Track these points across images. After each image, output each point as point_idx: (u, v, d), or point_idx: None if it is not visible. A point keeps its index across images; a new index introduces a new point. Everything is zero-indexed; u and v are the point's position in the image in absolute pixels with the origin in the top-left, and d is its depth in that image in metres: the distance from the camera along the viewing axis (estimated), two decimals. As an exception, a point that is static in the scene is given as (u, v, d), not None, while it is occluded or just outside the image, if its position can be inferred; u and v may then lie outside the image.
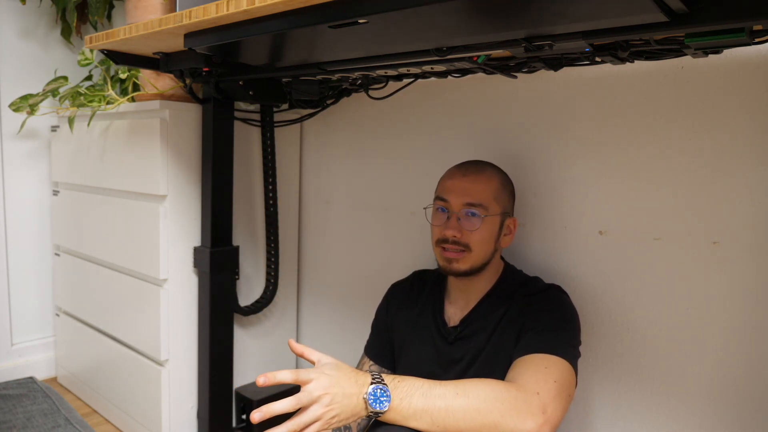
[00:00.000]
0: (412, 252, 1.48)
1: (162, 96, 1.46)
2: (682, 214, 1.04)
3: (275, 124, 1.62)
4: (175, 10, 0.96)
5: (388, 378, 0.84)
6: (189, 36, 1.00)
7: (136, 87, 1.58)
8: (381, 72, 1.17)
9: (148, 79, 1.50)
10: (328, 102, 1.58)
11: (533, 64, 1.02)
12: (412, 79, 1.31)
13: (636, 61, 0.99)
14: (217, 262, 1.47)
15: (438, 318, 1.11)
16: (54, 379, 2.07)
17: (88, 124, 1.63)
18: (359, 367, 1.24)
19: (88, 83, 1.74)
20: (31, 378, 1.21)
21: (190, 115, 1.47)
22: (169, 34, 1.02)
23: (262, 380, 0.79)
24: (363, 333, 1.62)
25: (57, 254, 1.96)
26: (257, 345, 1.71)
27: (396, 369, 1.18)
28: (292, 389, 0.87)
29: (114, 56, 1.23)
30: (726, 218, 0.99)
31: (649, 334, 1.09)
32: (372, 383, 0.82)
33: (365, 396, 0.81)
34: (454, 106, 1.37)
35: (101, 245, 1.70)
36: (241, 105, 1.58)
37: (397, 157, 1.51)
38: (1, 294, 1.95)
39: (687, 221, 1.03)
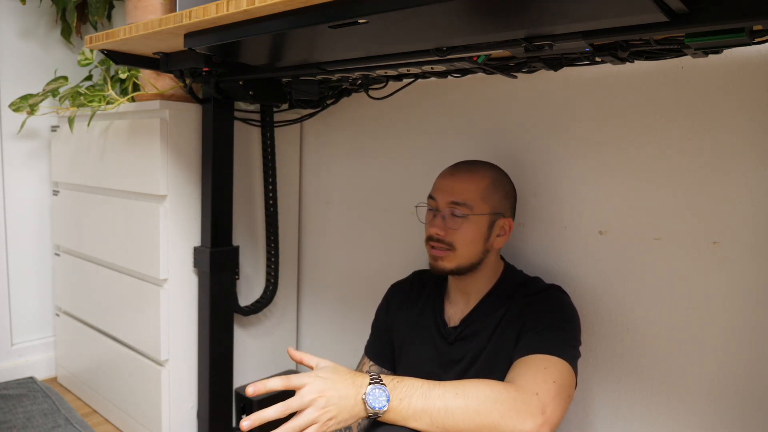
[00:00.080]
0: (412, 252, 1.48)
1: (162, 96, 1.46)
2: (682, 214, 1.04)
3: (275, 124, 1.62)
4: (175, 10, 0.96)
5: (387, 378, 0.84)
6: (189, 36, 1.00)
7: (136, 87, 1.58)
8: (381, 72, 1.17)
9: (148, 79, 1.50)
10: (328, 102, 1.58)
11: (533, 64, 1.02)
12: (412, 79, 1.31)
13: (636, 61, 0.99)
14: (217, 262, 1.47)
15: (438, 318, 1.11)
16: (54, 379, 2.07)
17: (88, 124, 1.63)
18: (359, 367, 1.24)
19: (88, 83, 1.74)
20: (31, 378, 1.21)
21: (190, 115, 1.47)
22: (169, 34, 1.02)
23: (251, 390, 0.79)
24: (363, 333, 1.62)
25: (57, 254, 1.96)
26: (257, 345, 1.71)
27: (396, 369, 1.18)
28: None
29: (114, 56, 1.23)
30: (726, 218, 0.99)
31: (649, 334, 1.09)
32: (370, 383, 0.82)
33: (363, 397, 0.81)
34: (454, 106, 1.37)
35: (101, 245, 1.70)
36: (241, 105, 1.58)
37: (397, 157, 1.51)
38: (1, 294, 1.95)
39: (687, 221, 1.03)
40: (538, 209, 1.24)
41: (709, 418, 1.03)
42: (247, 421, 0.78)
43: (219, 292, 1.49)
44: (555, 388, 0.85)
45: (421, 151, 1.45)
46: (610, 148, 1.12)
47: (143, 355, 1.58)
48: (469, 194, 1.02)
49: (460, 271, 1.04)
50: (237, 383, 1.64)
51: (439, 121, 1.41)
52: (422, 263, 1.40)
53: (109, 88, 1.60)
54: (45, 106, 1.79)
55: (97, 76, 1.87)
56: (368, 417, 0.82)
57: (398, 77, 1.28)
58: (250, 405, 1.57)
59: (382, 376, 0.85)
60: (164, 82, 1.50)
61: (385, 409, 0.81)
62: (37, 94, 1.71)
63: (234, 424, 1.61)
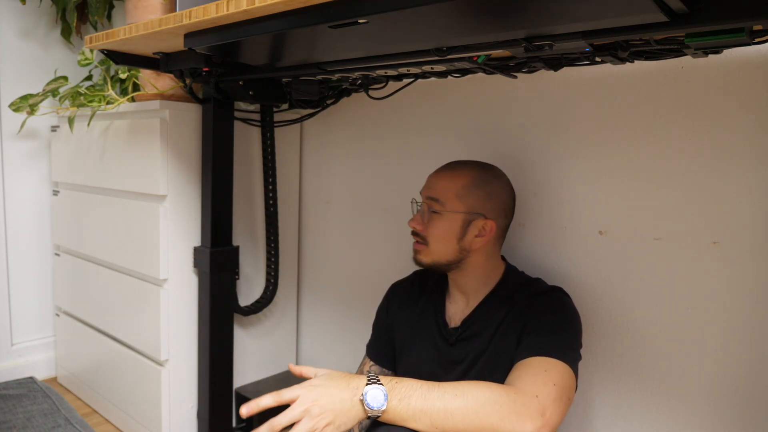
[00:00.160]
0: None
1: (162, 96, 1.46)
2: (682, 214, 1.04)
3: (275, 124, 1.62)
4: (175, 10, 0.96)
5: (385, 379, 0.84)
6: (189, 36, 1.00)
7: (136, 87, 1.58)
8: (381, 72, 1.17)
9: (148, 79, 1.50)
10: (328, 102, 1.58)
11: (533, 64, 1.02)
12: (412, 79, 1.31)
13: (636, 61, 0.99)
14: (217, 262, 1.47)
15: (439, 318, 1.11)
16: (54, 379, 2.07)
17: (88, 124, 1.63)
18: (360, 367, 1.24)
19: (88, 83, 1.74)
20: (31, 378, 1.21)
21: (190, 115, 1.47)
22: (169, 34, 1.02)
23: (245, 411, 0.80)
24: (363, 333, 1.62)
25: (57, 254, 1.96)
26: (257, 345, 1.71)
27: (397, 369, 1.18)
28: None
29: (114, 56, 1.23)
30: (726, 218, 0.99)
31: (649, 334, 1.09)
32: (367, 384, 0.82)
33: (361, 398, 0.81)
34: (454, 106, 1.37)
35: (101, 245, 1.70)
36: (241, 105, 1.58)
37: (397, 156, 1.51)
38: (1, 294, 1.95)
39: (687, 221, 1.03)
40: (538, 209, 1.23)
41: (709, 418, 1.03)
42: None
43: (219, 292, 1.49)
44: (555, 390, 0.85)
45: (421, 150, 1.45)
46: (610, 148, 1.12)
47: (143, 355, 1.58)
48: (443, 191, 1.04)
49: (438, 267, 1.06)
50: (237, 383, 1.64)
51: (439, 121, 1.41)
52: (422, 263, 1.40)
53: (109, 88, 1.60)
54: (45, 106, 1.79)
55: (97, 76, 1.87)
56: (368, 418, 0.82)
57: (398, 77, 1.28)
58: (250, 405, 1.57)
59: (381, 377, 0.85)
60: (164, 82, 1.50)
61: (383, 408, 0.81)
62: (37, 94, 1.71)
63: (234, 424, 1.61)
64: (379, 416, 0.82)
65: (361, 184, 1.61)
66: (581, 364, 1.02)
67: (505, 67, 1.05)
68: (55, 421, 1.03)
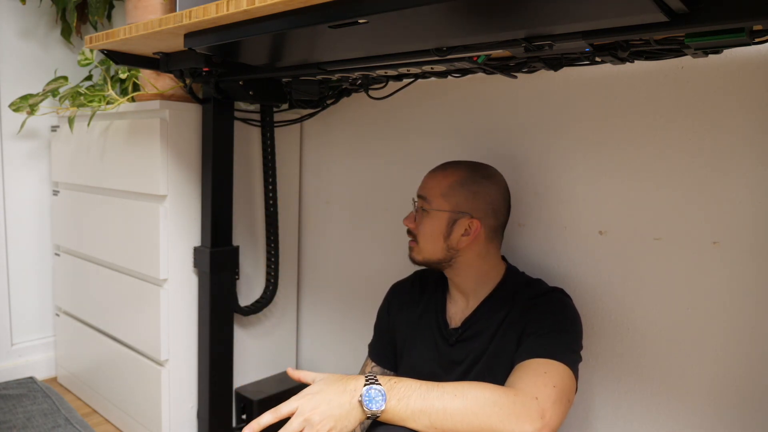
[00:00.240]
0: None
1: (162, 96, 1.46)
2: (682, 214, 1.04)
3: (275, 124, 1.62)
4: (175, 10, 0.96)
5: (383, 379, 0.84)
6: (189, 36, 1.00)
7: (136, 87, 1.58)
8: (381, 72, 1.17)
9: (148, 79, 1.50)
10: (328, 102, 1.58)
11: (533, 64, 1.02)
12: (412, 79, 1.31)
13: (636, 61, 0.99)
14: (217, 262, 1.47)
15: (440, 318, 1.11)
16: (54, 379, 2.07)
17: (88, 124, 1.63)
18: (363, 368, 1.24)
19: (88, 83, 1.74)
20: (31, 378, 1.21)
21: (190, 115, 1.47)
22: (169, 34, 1.02)
23: None
24: (363, 333, 1.62)
25: (57, 254, 1.96)
26: (257, 345, 1.71)
27: (398, 369, 1.18)
28: (294, 388, 0.87)
29: (114, 56, 1.23)
30: (726, 218, 0.99)
31: (649, 334, 1.09)
32: (365, 385, 0.83)
33: (360, 399, 0.81)
34: (454, 106, 1.37)
35: (101, 245, 1.70)
36: (241, 105, 1.58)
37: (398, 156, 1.51)
38: (1, 294, 1.95)
39: (687, 221, 1.03)
40: (538, 209, 1.23)
41: (709, 418, 1.03)
42: (248, 430, 0.80)
43: (219, 292, 1.49)
44: (555, 392, 0.85)
45: (421, 150, 1.45)
46: (610, 148, 1.12)
47: (143, 355, 1.58)
48: (431, 190, 1.06)
49: (430, 265, 1.08)
50: (237, 383, 1.64)
51: (439, 121, 1.41)
52: (422, 263, 1.40)
53: (109, 88, 1.60)
54: (45, 106, 1.79)
55: (97, 76, 1.87)
56: (367, 418, 0.82)
57: (398, 77, 1.28)
58: (250, 405, 1.57)
59: (379, 377, 0.85)
60: (164, 82, 1.50)
61: (382, 408, 0.81)
62: (37, 94, 1.71)
63: (234, 424, 1.61)
64: (378, 416, 0.82)
65: (361, 184, 1.61)
66: (581, 365, 1.02)
67: (505, 67, 1.05)
68: (55, 421, 1.03)
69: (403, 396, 0.82)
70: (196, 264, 1.51)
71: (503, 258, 1.12)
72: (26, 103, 1.70)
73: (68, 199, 1.86)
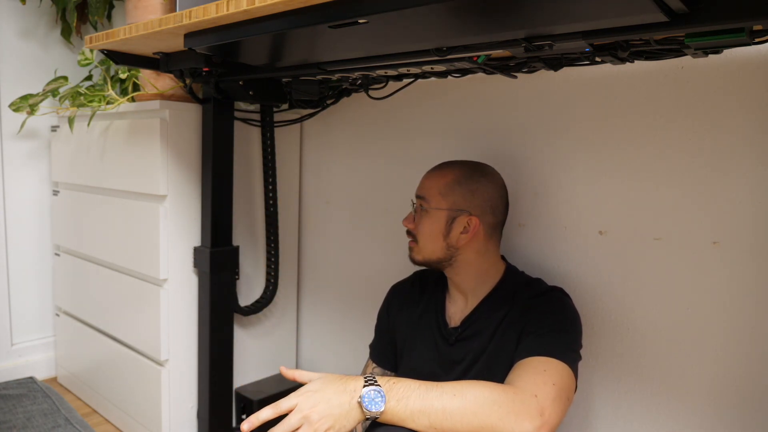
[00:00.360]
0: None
1: (162, 96, 1.46)
2: (682, 214, 1.04)
3: (275, 124, 1.62)
4: (175, 10, 0.96)
5: (383, 380, 0.85)
6: (189, 36, 1.00)
7: (136, 87, 1.58)
8: (381, 72, 1.17)
9: (148, 79, 1.50)
10: (328, 102, 1.58)
11: (533, 64, 1.02)
12: (412, 79, 1.31)
13: (636, 61, 0.99)
14: (217, 262, 1.47)
15: (440, 318, 1.11)
16: (54, 379, 2.07)
17: (88, 124, 1.63)
18: (364, 369, 1.24)
19: (88, 83, 1.74)
20: (31, 378, 1.20)
21: (190, 115, 1.47)
22: (169, 34, 1.02)
23: (246, 427, 0.80)
24: (363, 333, 1.62)
25: (57, 254, 1.96)
26: (257, 345, 1.71)
27: (398, 369, 1.18)
28: (294, 388, 0.87)
29: (114, 56, 1.23)
30: (726, 218, 0.99)
31: (649, 334, 1.09)
32: (365, 386, 0.82)
33: (359, 400, 0.81)
34: (454, 106, 1.37)
35: (101, 245, 1.70)
36: (241, 105, 1.58)
37: (397, 156, 1.51)
38: (1, 294, 1.95)
39: (687, 221, 1.03)
40: (538, 209, 1.23)
41: (709, 418, 1.03)
42: (246, 424, 0.80)
43: (219, 292, 1.49)
44: (554, 390, 0.85)
45: (421, 151, 1.45)
46: (610, 148, 1.12)
47: (143, 355, 1.58)
48: (428, 189, 1.06)
49: (430, 265, 1.09)
50: (237, 383, 1.64)
51: (439, 121, 1.41)
52: (422, 263, 1.40)
53: (109, 88, 1.60)
54: (45, 106, 1.79)
55: (97, 76, 1.87)
56: (366, 419, 0.82)
57: (398, 77, 1.28)
58: (250, 405, 1.57)
59: (378, 378, 0.85)
60: (164, 82, 1.50)
61: (382, 410, 0.81)
62: (37, 94, 1.71)
63: (234, 424, 1.61)
64: (377, 417, 0.82)
65: (361, 184, 1.61)
66: (581, 364, 1.02)
67: (505, 67, 1.05)
68: (55, 421, 1.03)
69: (402, 396, 0.82)
70: (196, 264, 1.51)
71: (502, 257, 1.12)
72: (26, 103, 1.70)
73: (68, 199, 1.86)
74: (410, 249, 1.10)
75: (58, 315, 2.00)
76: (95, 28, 1.95)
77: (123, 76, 1.60)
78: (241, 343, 1.65)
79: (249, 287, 1.66)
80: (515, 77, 1.17)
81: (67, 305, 1.93)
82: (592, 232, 1.16)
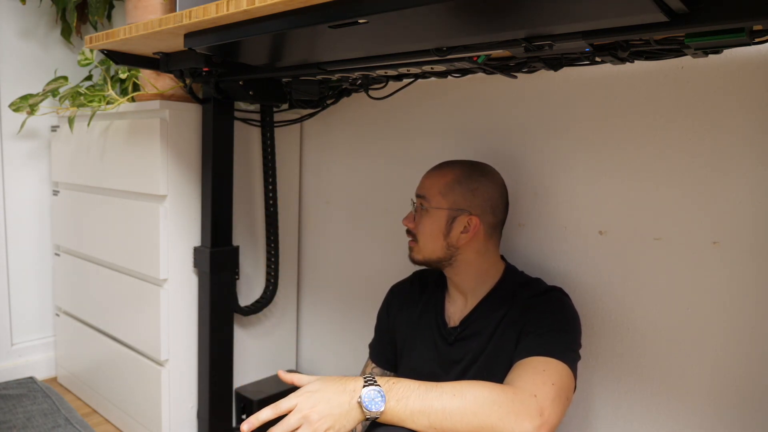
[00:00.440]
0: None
1: (162, 96, 1.46)
2: (682, 214, 1.04)
3: (275, 124, 1.62)
4: (175, 10, 0.96)
5: (382, 380, 0.85)
6: (189, 36, 1.00)
7: (136, 87, 1.58)
8: (381, 72, 1.17)
9: (148, 79, 1.50)
10: (328, 102, 1.58)
11: (533, 64, 1.02)
12: (412, 79, 1.31)
13: (636, 61, 0.99)
14: (217, 262, 1.47)
15: (439, 318, 1.11)
16: (54, 379, 2.07)
17: (88, 124, 1.63)
18: (364, 368, 1.25)
19: (88, 83, 1.74)
20: (31, 378, 1.20)
21: (190, 115, 1.47)
22: (169, 34, 1.02)
23: (246, 428, 0.80)
24: (363, 333, 1.62)
25: (57, 254, 1.96)
26: (257, 345, 1.71)
27: (398, 369, 1.18)
28: (294, 388, 0.87)
29: (114, 56, 1.23)
30: (726, 218, 0.99)
31: (649, 334, 1.09)
32: (364, 386, 0.82)
33: (359, 400, 0.81)
34: (454, 106, 1.37)
35: (101, 245, 1.70)
36: (241, 105, 1.58)
37: (397, 156, 1.51)
38: (1, 294, 1.95)
39: (687, 221, 1.03)
40: (538, 209, 1.23)
41: (709, 418, 1.03)
42: (246, 425, 0.80)
43: (219, 292, 1.49)
44: (554, 390, 0.85)
45: (421, 151, 1.45)
46: (610, 148, 1.12)
47: (143, 355, 1.58)
48: (428, 188, 1.06)
49: (430, 264, 1.09)
50: (237, 383, 1.64)
51: (439, 121, 1.41)
52: (422, 263, 1.40)
53: (109, 88, 1.60)
54: (45, 106, 1.79)
55: (97, 76, 1.87)
56: (366, 419, 0.82)
57: (398, 77, 1.28)
58: (250, 405, 1.57)
59: (378, 378, 0.85)
60: (164, 82, 1.50)
61: (381, 409, 0.81)
62: (37, 94, 1.71)
63: (234, 424, 1.61)
64: (377, 417, 0.82)
65: (361, 184, 1.61)
66: (581, 364, 1.02)
67: (505, 67, 1.05)
68: (55, 421, 1.03)
69: (401, 397, 0.82)
70: (196, 264, 1.51)
71: (502, 257, 1.12)
72: (26, 103, 1.70)
73: (68, 199, 1.86)
74: (410, 248, 1.10)
75: (58, 315, 2.00)
76: (95, 28, 1.95)
77: (123, 76, 1.60)
78: (241, 343, 1.65)
79: (249, 287, 1.66)
80: (515, 77, 1.17)
81: (67, 305, 1.93)
82: (592, 232, 1.16)
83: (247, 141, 1.61)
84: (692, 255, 1.03)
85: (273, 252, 1.64)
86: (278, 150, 1.67)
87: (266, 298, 1.65)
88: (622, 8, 0.66)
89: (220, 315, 1.50)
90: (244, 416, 1.59)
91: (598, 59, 0.96)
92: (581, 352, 0.99)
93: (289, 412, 0.81)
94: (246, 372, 1.68)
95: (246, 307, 1.60)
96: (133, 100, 1.54)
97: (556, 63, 1.01)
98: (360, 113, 1.59)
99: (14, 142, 1.94)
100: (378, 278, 1.57)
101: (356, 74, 1.24)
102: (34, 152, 1.99)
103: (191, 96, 1.41)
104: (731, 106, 0.97)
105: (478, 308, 1.06)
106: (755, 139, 0.95)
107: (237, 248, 1.52)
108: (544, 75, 1.19)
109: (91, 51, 1.64)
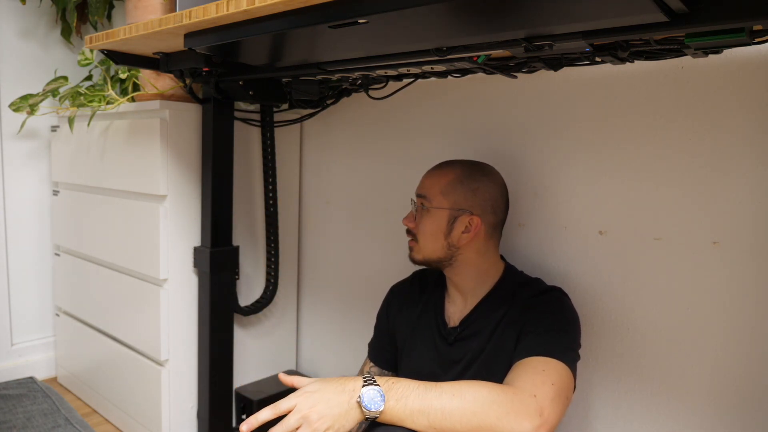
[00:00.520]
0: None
1: (162, 96, 1.46)
2: (682, 214, 1.04)
3: (275, 124, 1.62)
4: (175, 10, 0.96)
5: (381, 380, 0.85)
6: (189, 36, 1.00)
7: (136, 87, 1.58)
8: (381, 72, 1.17)
9: (148, 79, 1.50)
10: (328, 102, 1.58)
11: (533, 64, 1.02)
12: (412, 79, 1.31)
13: (636, 61, 0.99)
14: (217, 262, 1.47)
15: (439, 318, 1.11)
16: (54, 379, 2.07)
17: (88, 124, 1.63)
18: (362, 367, 1.24)
19: (88, 83, 1.74)
20: (31, 378, 1.20)
21: (190, 115, 1.47)
22: (169, 34, 1.02)
23: (245, 428, 0.80)
24: (363, 333, 1.62)
25: (57, 254, 1.96)
26: (257, 345, 1.71)
27: (398, 370, 1.18)
28: (294, 388, 0.87)
29: (114, 56, 1.23)
30: (726, 218, 0.99)
31: (649, 334, 1.09)
32: (364, 385, 0.82)
33: (358, 399, 0.81)
34: (454, 106, 1.37)
35: (101, 245, 1.70)
36: (241, 105, 1.58)
37: (397, 156, 1.51)
38: (1, 294, 1.95)
39: (687, 221, 1.03)
40: (538, 209, 1.23)
41: (709, 418, 1.03)
42: (245, 426, 0.80)
43: (219, 292, 1.49)
44: (553, 390, 0.85)
45: (421, 150, 1.45)
46: (610, 148, 1.12)
47: (143, 355, 1.58)
48: (430, 188, 1.06)
49: (431, 264, 1.08)
50: (237, 383, 1.64)
51: (439, 121, 1.41)
52: (422, 263, 1.40)
53: (109, 88, 1.60)
54: (45, 106, 1.79)
55: (97, 76, 1.87)
56: (366, 419, 0.82)
57: (398, 77, 1.28)
58: (250, 405, 1.57)
59: (377, 378, 0.85)
60: (164, 82, 1.50)
61: (381, 409, 0.81)
62: (37, 94, 1.71)
63: (234, 424, 1.61)
64: (377, 417, 0.82)
65: (361, 184, 1.61)
66: (581, 364, 1.02)
67: (505, 67, 1.05)
68: (55, 421, 1.03)
69: (401, 396, 0.82)
70: (196, 264, 1.51)
71: (501, 257, 1.12)
72: (26, 103, 1.70)
73: (68, 199, 1.86)
74: (410, 248, 1.10)
75: (58, 315, 2.00)
76: (95, 28, 1.95)
77: (123, 76, 1.60)
78: (241, 343, 1.65)
79: (249, 287, 1.66)
80: (515, 77, 1.17)
81: (67, 305, 1.93)
82: (592, 232, 1.16)
83: (247, 141, 1.61)
84: (692, 255, 1.03)
85: (273, 252, 1.64)
86: (278, 150, 1.67)
87: (266, 298, 1.65)
88: (622, 8, 0.66)
89: (220, 315, 1.50)
90: (244, 416, 1.59)
91: (598, 59, 0.96)
92: (581, 352, 0.99)
93: (289, 412, 0.81)
94: (246, 372, 1.68)
95: (246, 307, 1.60)
96: (133, 100, 1.54)
97: (556, 63, 1.01)
98: (360, 113, 1.59)
99: (14, 142, 1.94)
100: (378, 278, 1.57)
101: (356, 74, 1.24)
102: (34, 152, 1.99)
103: (191, 96, 1.41)
104: (731, 106, 0.97)
105: (477, 308, 1.06)
106: (755, 139, 0.95)
107: (237, 248, 1.52)
108: (544, 75, 1.19)
109: (91, 51, 1.64)
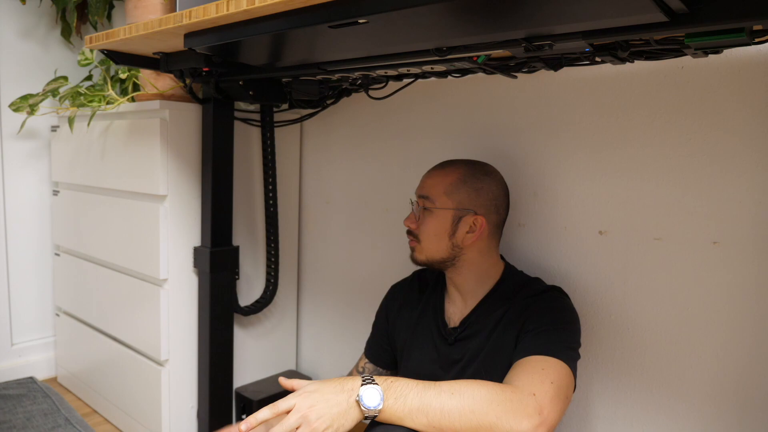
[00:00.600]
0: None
1: (162, 96, 1.46)
2: (682, 214, 1.04)
3: (275, 124, 1.62)
4: (175, 10, 0.96)
5: (380, 379, 0.85)
6: (189, 36, 1.00)
7: (136, 87, 1.58)
8: (381, 72, 1.17)
9: (148, 79, 1.50)
10: (328, 102, 1.58)
11: (533, 64, 1.02)
12: (412, 79, 1.31)
13: (636, 61, 0.99)
14: (217, 262, 1.47)
15: (439, 318, 1.11)
16: (54, 379, 2.07)
17: (88, 124, 1.63)
18: (357, 363, 1.25)
19: (88, 83, 1.74)
20: (31, 378, 1.20)
21: (190, 115, 1.47)
22: (169, 34, 1.02)
23: (244, 428, 0.81)
24: (363, 333, 1.62)
25: (57, 254, 1.96)
26: (257, 345, 1.71)
27: (398, 370, 1.18)
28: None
29: (114, 56, 1.23)
30: (726, 218, 0.99)
31: (649, 334, 1.09)
32: (362, 384, 0.82)
33: (357, 398, 0.81)
34: (454, 106, 1.37)
35: (101, 245, 1.70)
36: (241, 105, 1.58)
37: (397, 156, 1.51)
38: (1, 294, 1.95)
39: (687, 221, 1.03)
40: (538, 209, 1.23)
41: (709, 418, 1.03)
42: (245, 425, 0.80)
43: (219, 292, 1.49)
44: (553, 389, 0.85)
45: (421, 151, 1.45)
46: (610, 148, 1.12)
47: (143, 355, 1.58)
48: (433, 189, 1.05)
49: (433, 265, 1.08)
50: (237, 383, 1.64)
51: (439, 121, 1.41)
52: (422, 263, 1.40)
53: (109, 88, 1.60)
54: (45, 106, 1.79)
55: (97, 76, 1.87)
56: (365, 418, 0.82)
57: (398, 77, 1.28)
58: (250, 405, 1.57)
59: (376, 377, 0.85)
60: (164, 82, 1.50)
61: (380, 407, 0.81)
62: (37, 94, 1.70)
63: (234, 424, 1.60)
64: (376, 416, 0.82)
65: (361, 184, 1.61)
66: (581, 364, 1.02)
67: (505, 67, 1.05)
68: (55, 421, 1.03)
69: (400, 395, 0.82)
70: (196, 264, 1.51)
71: (501, 257, 1.12)
72: (26, 103, 1.70)
73: (68, 199, 1.86)
74: (412, 249, 1.09)
75: (58, 315, 2.00)
76: (95, 28, 1.94)
77: (123, 76, 1.60)
78: (241, 343, 1.65)
79: (249, 287, 1.66)
80: (515, 77, 1.17)
81: (67, 305, 1.93)
82: (592, 232, 1.16)
83: (247, 141, 1.61)
84: (692, 255, 1.03)
85: (273, 252, 1.64)
86: (278, 150, 1.67)
87: (266, 298, 1.65)
88: (622, 8, 0.66)
89: (220, 315, 1.50)
90: (244, 416, 1.59)
91: (598, 59, 0.96)
92: (581, 351, 0.99)
93: (288, 412, 0.81)
94: (246, 372, 1.68)
95: (246, 307, 1.60)
96: (133, 100, 1.54)
97: (556, 63, 1.01)
98: (360, 113, 1.59)
99: (14, 142, 1.94)
100: (378, 278, 1.57)
101: (356, 74, 1.24)
102: (34, 152, 1.99)
103: (191, 96, 1.41)
104: (731, 106, 0.97)
105: (478, 308, 1.06)
106: (755, 139, 0.95)
107: (237, 248, 1.52)
108: (544, 75, 1.19)
109: (91, 51, 1.64)
